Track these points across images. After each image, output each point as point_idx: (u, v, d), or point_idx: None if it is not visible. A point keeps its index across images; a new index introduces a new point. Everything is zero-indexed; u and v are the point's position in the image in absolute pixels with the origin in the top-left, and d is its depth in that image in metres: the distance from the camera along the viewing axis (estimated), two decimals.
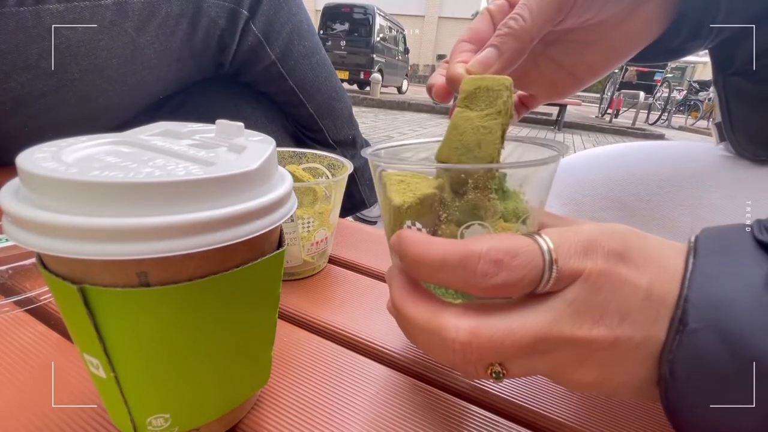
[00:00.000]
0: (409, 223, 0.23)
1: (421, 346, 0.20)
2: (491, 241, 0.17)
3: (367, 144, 0.90)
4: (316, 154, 0.42)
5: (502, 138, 0.22)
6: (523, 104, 0.34)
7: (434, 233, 0.23)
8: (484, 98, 0.22)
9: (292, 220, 0.34)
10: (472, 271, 0.17)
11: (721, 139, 0.41)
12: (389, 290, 0.22)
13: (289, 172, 0.32)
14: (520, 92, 0.34)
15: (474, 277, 0.17)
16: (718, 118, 0.40)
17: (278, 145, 0.22)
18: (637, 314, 0.17)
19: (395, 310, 0.21)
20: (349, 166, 0.39)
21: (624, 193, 0.41)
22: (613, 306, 0.17)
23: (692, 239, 0.19)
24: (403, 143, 0.29)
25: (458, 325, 0.17)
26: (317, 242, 0.37)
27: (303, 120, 0.74)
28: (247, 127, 0.21)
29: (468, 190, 0.22)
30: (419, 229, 0.23)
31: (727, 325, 0.16)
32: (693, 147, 0.44)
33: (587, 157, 0.49)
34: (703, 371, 0.16)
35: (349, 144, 0.81)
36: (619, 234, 0.18)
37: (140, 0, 0.50)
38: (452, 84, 0.25)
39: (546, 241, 0.17)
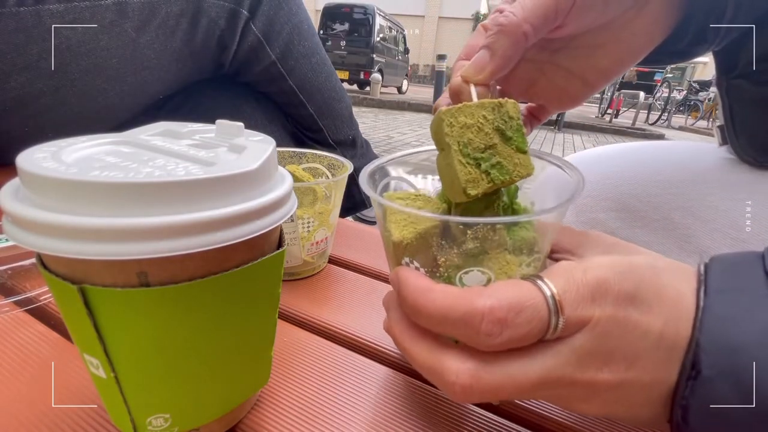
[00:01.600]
0: (407, 260, 0.22)
1: (421, 373, 0.20)
2: (493, 295, 0.16)
3: (367, 144, 0.90)
4: (316, 154, 0.42)
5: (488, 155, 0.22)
6: (533, 116, 0.33)
7: (432, 274, 0.22)
8: (439, 139, 0.22)
9: (292, 220, 0.34)
10: (476, 331, 0.16)
11: (724, 142, 0.41)
12: (387, 317, 0.21)
13: (289, 172, 0.32)
14: (529, 104, 0.33)
15: (478, 336, 0.16)
16: (721, 120, 0.40)
17: (278, 145, 0.22)
18: (647, 358, 0.17)
19: (394, 340, 0.20)
20: (349, 166, 0.39)
21: (624, 194, 0.41)
22: (621, 351, 0.17)
23: (702, 269, 0.18)
24: (408, 152, 0.29)
25: (459, 368, 0.17)
26: (317, 242, 0.38)
27: (303, 120, 0.74)
28: (248, 127, 0.21)
29: (467, 240, 0.21)
30: (417, 268, 0.22)
31: (741, 373, 0.15)
32: (694, 147, 0.43)
33: (588, 157, 0.49)
34: (718, 421, 0.16)
35: (349, 144, 0.82)
36: (631, 272, 0.17)
37: (140, 0, 0.50)
38: (456, 98, 0.25)
39: (550, 288, 0.17)
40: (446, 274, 0.22)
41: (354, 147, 0.82)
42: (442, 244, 0.21)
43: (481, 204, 0.23)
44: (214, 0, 0.55)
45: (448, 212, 0.24)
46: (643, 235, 0.38)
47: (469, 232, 0.21)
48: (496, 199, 0.23)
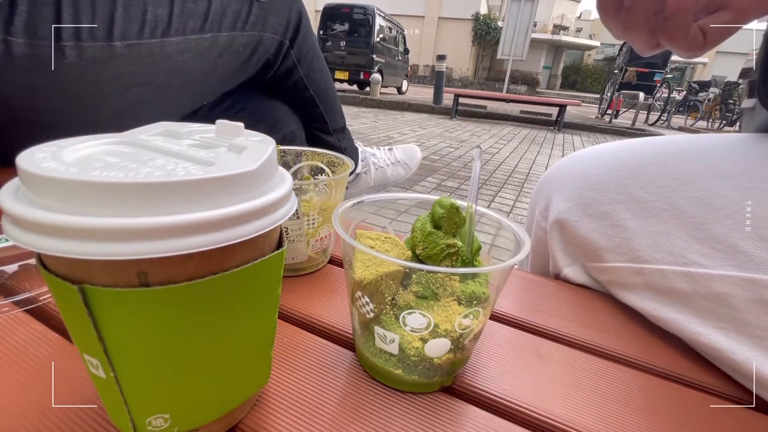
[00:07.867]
0: (359, 293, 0.25)
1: None
2: None
3: (348, 129, 1.06)
4: (314, 151, 0.42)
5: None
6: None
7: (380, 311, 0.24)
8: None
9: (298, 218, 0.35)
10: None
11: (750, 95, 0.40)
12: None
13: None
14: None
15: None
16: (752, 76, 0.39)
17: (296, 132, 0.22)
18: None
19: None
20: (350, 164, 0.39)
21: (632, 185, 0.40)
22: None
23: None
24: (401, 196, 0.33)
25: None
26: (321, 238, 0.38)
27: (315, 117, 0.95)
28: (278, 119, 0.21)
29: (424, 286, 0.23)
30: (367, 303, 0.24)
31: None
32: (701, 138, 0.43)
33: (593, 152, 0.49)
34: None
35: (341, 130, 1.03)
36: None
37: (227, 34, 0.66)
38: None
39: None
40: (392, 313, 0.24)
41: (344, 132, 1.03)
42: (398, 287, 0.24)
43: (442, 255, 0.25)
44: (270, 34, 0.73)
45: (413, 258, 0.26)
46: (654, 225, 0.37)
47: (425, 279, 0.23)
48: (455, 253, 0.25)
